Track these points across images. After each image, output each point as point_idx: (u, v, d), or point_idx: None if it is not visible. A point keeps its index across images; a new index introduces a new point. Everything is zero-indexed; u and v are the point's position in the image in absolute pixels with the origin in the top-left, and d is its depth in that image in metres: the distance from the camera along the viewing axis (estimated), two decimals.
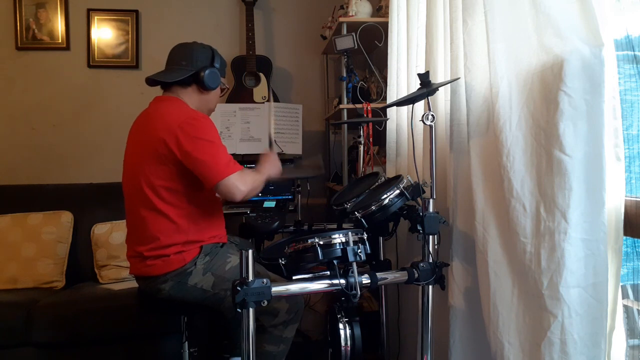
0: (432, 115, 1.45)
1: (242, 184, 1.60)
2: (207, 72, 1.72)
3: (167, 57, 1.79)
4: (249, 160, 2.93)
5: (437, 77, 1.70)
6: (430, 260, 1.47)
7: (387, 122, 2.27)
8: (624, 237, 1.15)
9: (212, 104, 1.85)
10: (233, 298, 1.31)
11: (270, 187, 1.88)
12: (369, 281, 1.44)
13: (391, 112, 2.22)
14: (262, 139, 2.89)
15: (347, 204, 1.71)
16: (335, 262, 1.42)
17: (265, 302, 1.32)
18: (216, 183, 1.58)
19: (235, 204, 2.32)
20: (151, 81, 1.76)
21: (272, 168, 1.80)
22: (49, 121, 3.15)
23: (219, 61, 1.78)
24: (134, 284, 1.85)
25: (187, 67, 1.72)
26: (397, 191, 1.51)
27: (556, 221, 1.16)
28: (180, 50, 1.78)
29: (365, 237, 1.46)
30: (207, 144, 1.61)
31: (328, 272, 1.45)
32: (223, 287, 1.67)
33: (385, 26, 2.39)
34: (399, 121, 2.15)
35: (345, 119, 2.60)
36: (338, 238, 1.41)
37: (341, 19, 2.58)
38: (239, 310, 1.31)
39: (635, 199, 1.14)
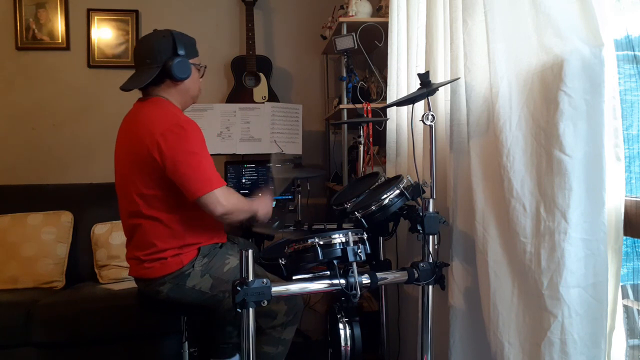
0: (432, 115, 1.45)
1: (224, 199, 1.56)
2: (173, 63, 1.62)
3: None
4: (249, 160, 2.94)
5: (437, 77, 1.70)
6: (430, 260, 1.47)
7: (387, 122, 2.27)
8: (624, 237, 1.15)
9: (194, 91, 1.77)
10: (233, 298, 1.31)
11: (270, 188, 1.87)
12: (369, 281, 1.44)
13: (391, 112, 2.22)
14: (262, 139, 2.89)
15: (347, 204, 1.71)
16: (335, 262, 1.42)
17: (265, 302, 1.32)
18: (198, 197, 1.54)
19: None
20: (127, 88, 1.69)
21: (263, 207, 1.77)
22: (49, 121, 3.15)
23: (182, 46, 1.65)
24: (134, 284, 1.85)
25: (153, 64, 1.63)
26: (397, 191, 1.50)
27: (556, 221, 1.16)
28: (141, 47, 1.69)
29: (365, 237, 1.46)
30: (189, 156, 1.56)
31: (328, 272, 1.45)
32: (221, 289, 1.67)
33: (385, 26, 2.39)
34: (399, 121, 2.15)
35: (345, 119, 2.60)
36: (338, 238, 1.41)
37: (341, 19, 2.58)
38: (238, 310, 1.31)
39: (635, 199, 1.14)
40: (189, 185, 1.55)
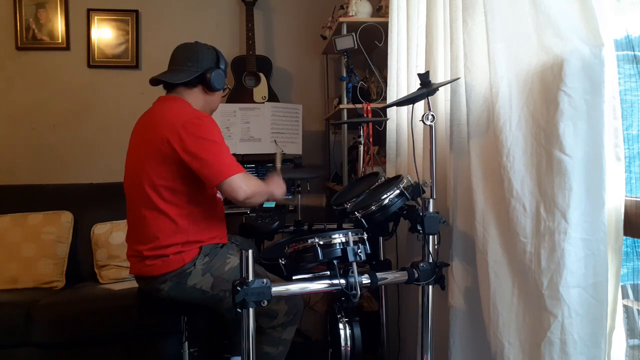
0: (432, 115, 1.45)
1: (245, 184, 1.60)
2: (213, 73, 1.73)
3: (169, 57, 1.79)
4: (249, 160, 2.94)
5: (437, 77, 1.70)
6: (430, 260, 1.47)
7: (387, 122, 2.27)
8: (624, 237, 1.15)
9: (215, 105, 1.87)
10: (233, 298, 1.31)
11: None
12: (369, 281, 1.44)
13: (391, 112, 2.22)
14: (262, 139, 2.89)
15: (347, 204, 1.71)
16: (335, 262, 1.42)
17: (265, 302, 1.32)
18: (220, 182, 1.58)
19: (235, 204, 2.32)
20: (155, 81, 1.77)
21: (277, 187, 1.80)
22: (49, 121, 3.15)
23: (223, 62, 1.80)
24: (134, 284, 1.85)
25: (193, 68, 1.73)
26: (397, 191, 1.50)
27: (556, 221, 1.16)
28: (184, 50, 1.78)
29: (365, 237, 1.46)
30: (210, 144, 1.61)
31: (328, 272, 1.45)
32: (222, 288, 1.67)
33: (385, 26, 2.39)
34: (399, 121, 2.15)
35: (345, 119, 2.60)
36: (338, 238, 1.41)
37: (341, 19, 2.58)
38: (238, 310, 1.31)
39: (635, 199, 1.14)
40: (210, 172, 1.59)
